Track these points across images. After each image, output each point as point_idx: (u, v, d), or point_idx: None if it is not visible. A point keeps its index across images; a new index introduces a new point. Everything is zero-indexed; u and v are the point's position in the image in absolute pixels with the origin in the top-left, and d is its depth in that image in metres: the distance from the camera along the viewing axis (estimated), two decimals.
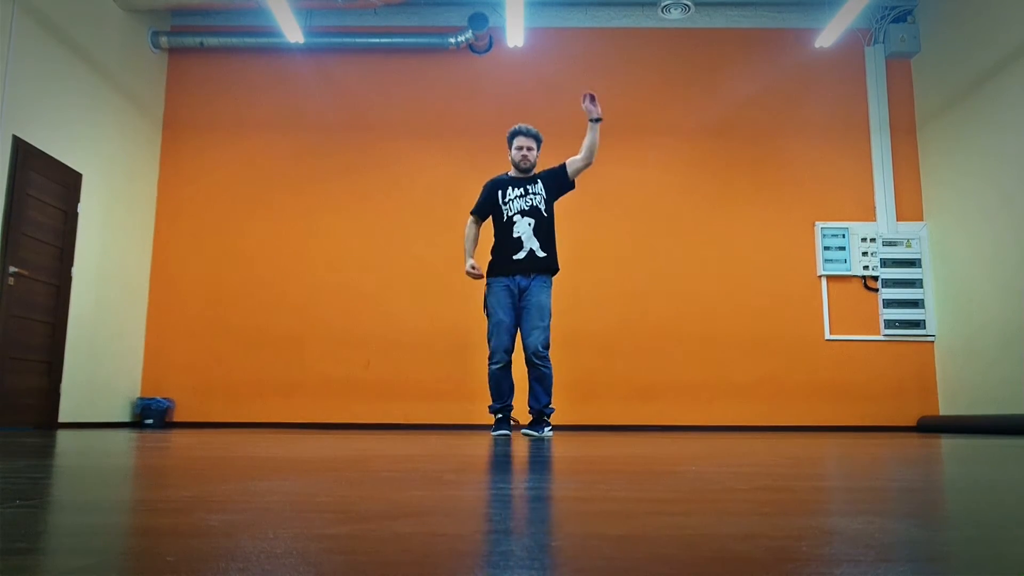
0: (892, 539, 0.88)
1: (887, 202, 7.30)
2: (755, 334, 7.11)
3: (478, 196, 4.67)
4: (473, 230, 4.68)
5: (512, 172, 4.63)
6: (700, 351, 7.10)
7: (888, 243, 7.23)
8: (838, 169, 7.40)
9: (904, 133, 7.45)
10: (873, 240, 7.22)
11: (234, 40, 7.51)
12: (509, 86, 7.57)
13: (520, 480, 1.66)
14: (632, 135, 7.44)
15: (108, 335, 6.66)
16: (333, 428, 6.75)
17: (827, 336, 7.12)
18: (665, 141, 7.45)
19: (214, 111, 7.59)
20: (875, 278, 7.20)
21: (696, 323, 7.14)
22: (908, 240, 7.25)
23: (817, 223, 7.28)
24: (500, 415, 4.48)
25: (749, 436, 5.02)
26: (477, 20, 7.37)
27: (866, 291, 7.21)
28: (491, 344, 4.44)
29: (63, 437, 4.00)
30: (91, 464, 2.07)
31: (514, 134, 4.60)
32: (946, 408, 6.94)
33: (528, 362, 4.40)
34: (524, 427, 4.50)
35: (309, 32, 7.34)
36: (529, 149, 4.56)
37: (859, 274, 7.20)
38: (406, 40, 7.55)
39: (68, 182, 6.10)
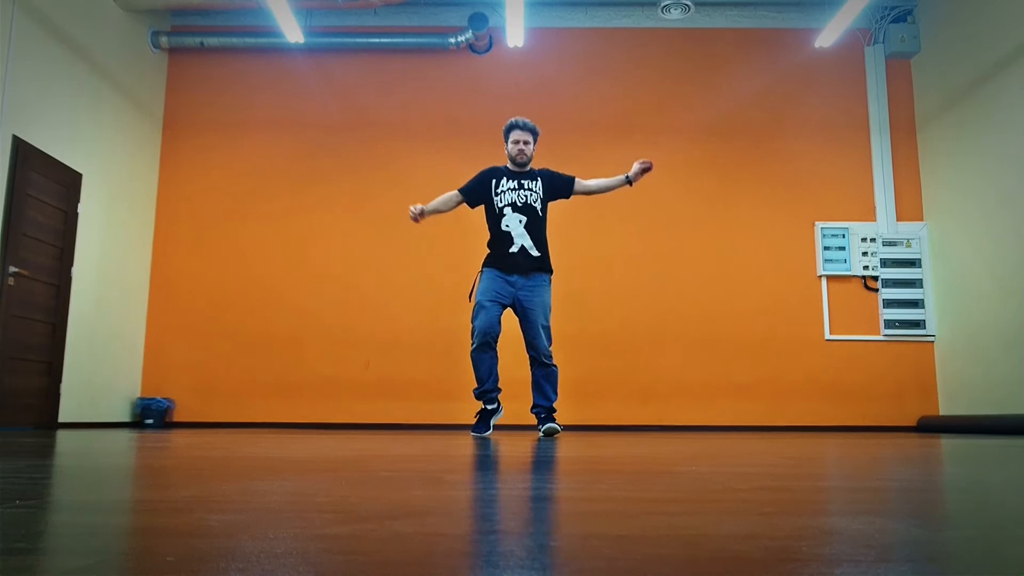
0: (892, 539, 0.88)
1: (887, 202, 7.30)
2: (755, 334, 7.11)
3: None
4: (450, 198, 4.54)
5: (509, 166, 4.61)
6: (700, 351, 7.10)
7: (888, 243, 7.23)
8: (838, 169, 7.40)
9: (904, 133, 7.45)
10: (873, 240, 7.22)
11: (234, 40, 7.51)
12: (509, 86, 7.57)
13: (520, 480, 1.66)
14: (632, 135, 7.44)
15: (108, 335, 6.66)
16: (333, 428, 6.75)
17: (827, 336, 7.12)
18: (665, 141, 7.45)
19: (214, 111, 7.60)
20: (875, 278, 7.20)
21: (696, 323, 7.14)
22: (908, 240, 7.25)
23: (817, 223, 7.28)
24: (485, 404, 4.43)
25: (749, 436, 5.02)
26: (477, 20, 7.37)
27: (866, 291, 7.21)
28: (473, 324, 4.39)
29: (63, 437, 4.00)
30: (91, 464, 2.07)
31: (510, 127, 4.56)
32: (946, 408, 6.94)
33: (536, 362, 4.40)
34: (540, 428, 4.44)
35: (309, 32, 7.34)
36: (526, 143, 4.51)
37: (859, 274, 7.20)
38: (406, 40, 7.55)
39: (68, 182, 6.10)
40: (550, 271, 4.51)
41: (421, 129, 7.49)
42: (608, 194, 4.84)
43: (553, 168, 4.70)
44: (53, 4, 5.89)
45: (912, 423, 7.00)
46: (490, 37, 7.63)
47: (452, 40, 7.44)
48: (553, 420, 4.41)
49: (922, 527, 0.99)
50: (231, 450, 2.76)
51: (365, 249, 7.30)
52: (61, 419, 6.04)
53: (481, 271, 4.50)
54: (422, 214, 4.42)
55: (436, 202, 4.56)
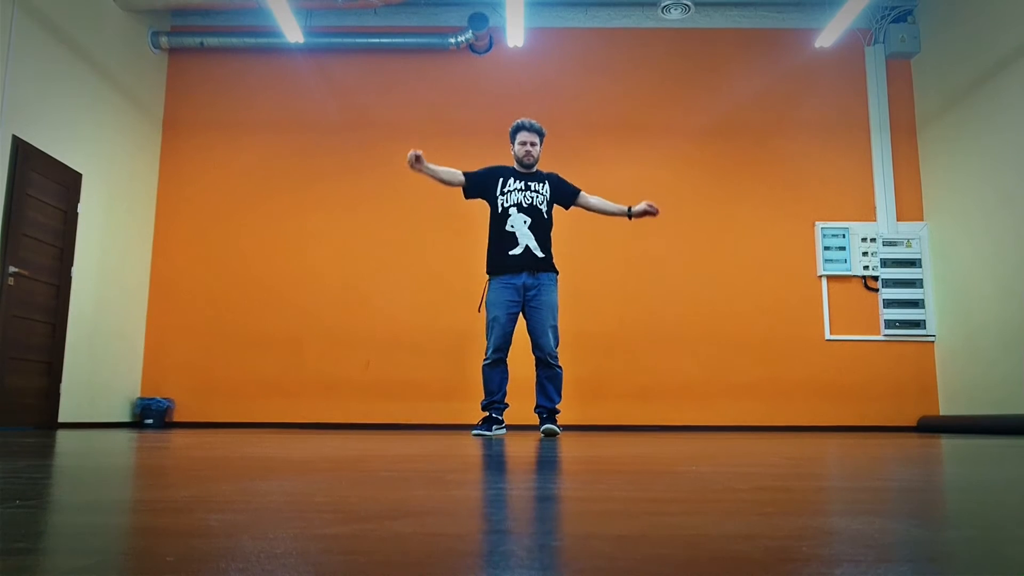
0: (892, 539, 0.88)
1: (887, 202, 7.30)
2: (755, 334, 7.11)
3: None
4: (452, 174, 4.47)
5: (515, 167, 4.60)
6: (700, 351, 7.10)
7: (888, 243, 7.23)
8: (838, 169, 7.40)
9: (904, 133, 7.45)
10: (873, 240, 7.22)
11: (234, 40, 7.51)
12: (509, 86, 7.57)
13: (520, 480, 1.66)
14: (632, 135, 7.44)
15: (108, 335, 6.66)
16: (333, 428, 6.75)
17: (827, 336, 7.12)
18: (665, 141, 7.45)
19: (214, 111, 7.60)
20: (875, 278, 7.20)
21: (696, 323, 7.14)
22: (908, 240, 7.25)
23: (817, 223, 7.28)
24: (489, 412, 4.43)
25: (749, 436, 5.02)
26: (477, 20, 7.37)
27: (866, 291, 7.21)
28: (488, 340, 4.41)
29: (63, 437, 4.00)
30: (91, 464, 2.07)
31: (517, 129, 4.54)
32: (946, 408, 6.94)
33: (542, 362, 4.38)
34: (542, 428, 4.45)
35: (309, 32, 7.34)
36: (532, 144, 4.49)
37: (859, 274, 7.20)
38: (406, 40, 7.55)
39: (68, 182, 6.10)
40: (556, 271, 4.51)
41: (421, 129, 7.49)
42: (607, 194, 4.84)
43: (557, 172, 4.70)
44: (53, 4, 5.89)
45: (912, 423, 7.00)
46: (490, 37, 7.63)
47: (452, 40, 7.44)
48: (554, 421, 4.41)
49: (922, 527, 0.99)
50: (231, 450, 2.76)
51: (365, 249, 7.30)
52: (61, 419, 6.04)
53: (488, 282, 4.47)
54: (418, 161, 4.28)
55: (439, 168, 4.45)
